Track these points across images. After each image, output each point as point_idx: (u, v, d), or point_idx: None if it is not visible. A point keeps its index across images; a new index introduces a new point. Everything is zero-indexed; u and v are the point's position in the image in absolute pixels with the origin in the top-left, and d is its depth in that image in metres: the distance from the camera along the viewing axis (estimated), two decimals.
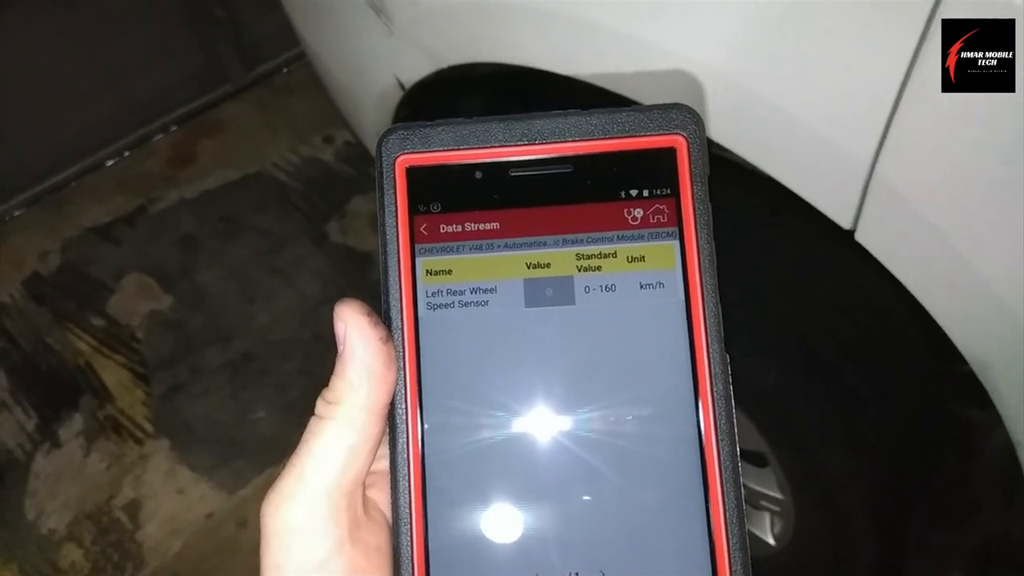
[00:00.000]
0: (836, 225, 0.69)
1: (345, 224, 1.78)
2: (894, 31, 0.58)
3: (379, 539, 0.30)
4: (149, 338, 1.64)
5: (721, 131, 0.71)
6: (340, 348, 0.29)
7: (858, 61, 0.62)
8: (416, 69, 0.94)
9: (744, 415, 0.88)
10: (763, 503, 0.99)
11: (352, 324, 0.29)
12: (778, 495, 0.95)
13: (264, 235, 1.77)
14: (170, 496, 1.43)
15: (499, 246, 0.30)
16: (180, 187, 1.87)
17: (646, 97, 0.73)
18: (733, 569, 0.29)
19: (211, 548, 1.37)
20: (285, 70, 2.09)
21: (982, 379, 0.70)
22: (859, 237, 0.68)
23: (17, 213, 1.86)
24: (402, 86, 0.98)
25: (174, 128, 1.99)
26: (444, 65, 0.90)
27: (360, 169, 1.87)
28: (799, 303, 0.82)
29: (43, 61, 1.76)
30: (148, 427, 1.52)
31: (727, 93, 0.68)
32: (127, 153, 1.94)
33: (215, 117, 2.01)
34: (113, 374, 1.59)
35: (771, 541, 1.01)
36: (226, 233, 1.78)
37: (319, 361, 1.55)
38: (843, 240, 0.69)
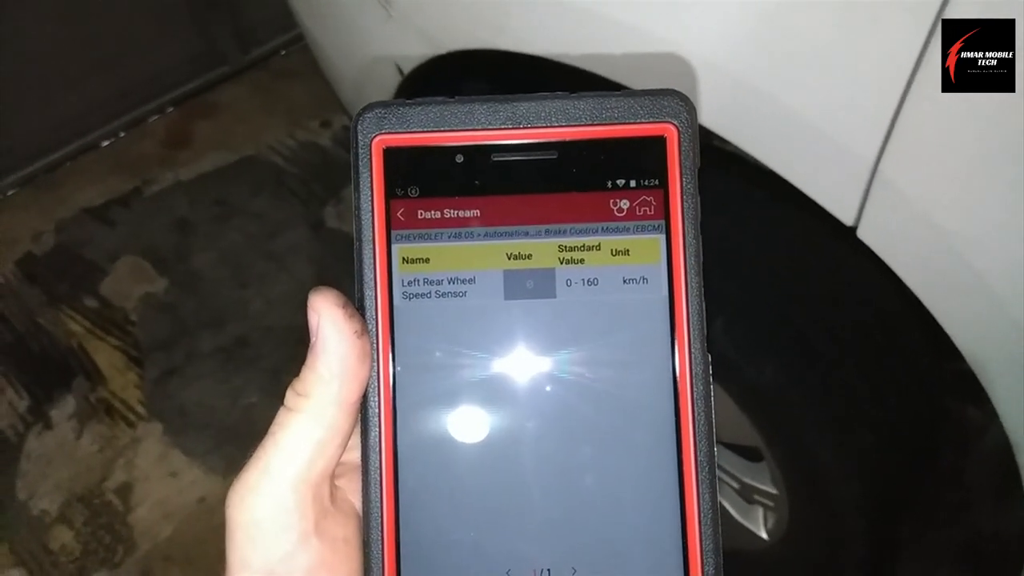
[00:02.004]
0: (838, 221, 0.69)
1: (341, 210, 1.77)
2: (901, 29, 0.58)
3: (347, 530, 0.29)
4: (143, 321, 1.63)
5: (726, 125, 0.70)
6: (312, 339, 0.28)
7: (864, 58, 0.61)
8: (415, 54, 0.93)
9: (740, 409, 0.87)
10: (757, 497, 0.99)
11: (326, 316, 0.28)
12: (771, 489, 0.95)
13: (259, 219, 1.76)
14: (162, 480, 1.43)
15: (479, 235, 0.29)
16: (175, 169, 1.86)
17: (645, 86, 0.72)
18: (705, 571, 0.28)
19: (203, 532, 1.36)
20: (283, 53, 2.07)
21: (980, 377, 0.70)
22: (861, 234, 0.68)
23: (11, 192, 1.84)
24: (400, 71, 0.97)
25: (170, 110, 1.97)
26: (443, 51, 0.89)
27: None
28: (799, 298, 0.82)
29: (39, 40, 1.74)
30: (141, 410, 1.51)
31: (731, 87, 0.68)
32: (122, 134, 1.93)
33: (211, 99, 1.99)
34: (106, 356, 1.58)
35: (764, 535, 1.02)
36: (221, 217, 1.77)
37: None
38: (845, 236, 0.69)
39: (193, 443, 1.46)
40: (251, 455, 0.29)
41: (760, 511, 1.02)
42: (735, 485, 1.01)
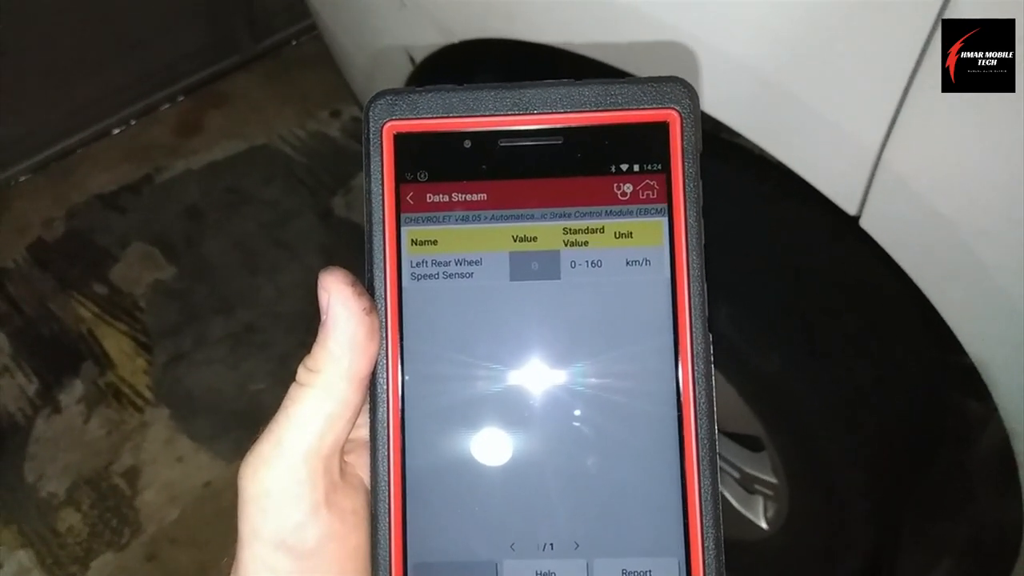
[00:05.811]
0: (841, 211, 0.69)
1: (350, 200, 1.78)
2: (907, 20, 0.58)
3: (355, 503, 0.30)
4: (152, 307, 1.64)
5: (732, 113, 0.71)
6: (323, 317, 0.29)
7: (871, 48, 0.62)
8: (427, 43, 0.93)
9: (742, 399, 0.88)
10: (757, 487, 1.00)
11: (336, 294, 0.29)
12: (772, 479, 0.96)
13: (269, 208, 1.77)
14: (169, 464, 1.44)
15: (486, 218, 0.30)
16: (186, 157, 1.87)
17: (653, 74, 0.73)
18: (705, 546, 0.29)
19: (209, 516, 1.38)
20: (294, 43, 2.08)
21: (981, 370, 0.70)
22: (864, 223, 0.68)
23: (23, 178, 1.86)
24: (412, 60, 0.98)
25: (181, 98, 1.98)
26: (455, 39, 0.89)
27: None
28: (803, 288, 0.82)
29: (53, 26, 1.75)
30: (149, 395, 1.52)
31: (738, 76, 0.68)
32: (134, 122, 1.94)
33: (223, 88, 2.00)
34: (115, 342, 1.60)
35: (764, 525, 1.02)
36: (231, 205, 1.79)
37: None
38: (848, 226, 0.69)
39: (200, 428, 1.48)
40: (263, 430, 0.29)
41: (760, 501, 1.02)
42: (736, 475, 1.02)
